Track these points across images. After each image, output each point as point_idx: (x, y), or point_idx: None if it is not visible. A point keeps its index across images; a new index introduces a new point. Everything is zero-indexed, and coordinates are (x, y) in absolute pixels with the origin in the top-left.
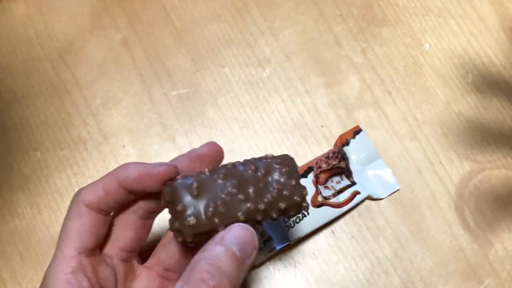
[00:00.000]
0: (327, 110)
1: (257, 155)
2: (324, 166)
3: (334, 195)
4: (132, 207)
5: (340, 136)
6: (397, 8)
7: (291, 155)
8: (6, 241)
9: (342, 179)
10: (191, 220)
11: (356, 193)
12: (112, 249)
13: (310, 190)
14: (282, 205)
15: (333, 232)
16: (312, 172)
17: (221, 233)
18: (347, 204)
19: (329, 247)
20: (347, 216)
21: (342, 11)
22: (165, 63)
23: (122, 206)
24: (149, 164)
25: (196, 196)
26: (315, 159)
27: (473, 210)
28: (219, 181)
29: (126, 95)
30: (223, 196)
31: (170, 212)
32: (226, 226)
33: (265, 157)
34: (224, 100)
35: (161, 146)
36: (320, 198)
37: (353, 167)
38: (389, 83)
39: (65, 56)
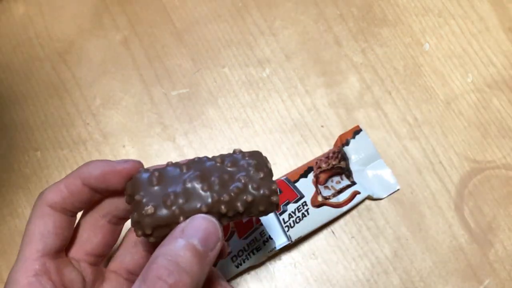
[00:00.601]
0: (327, 110)
1: None
2: (324, 166)
3: (334, 195)
4: (100, 211)
5: (340, 136)
6: (397, 8)
7: (291, 155)
8: (6, 241)
9: (342, 179)
10: (149, 210)
11: (356, 193)
12: (79, 252)
13: (310, 190)
14: (249, 198)
15: (333, 232)
16: (312, 172)
17: (181, 226)
18: (347, 204)
19: (329, 247)
20: (347, 216)
21: (342, 11)
22: (165, 63)
23: (88, 206)
24: (112, 161)
25: (157, 186)
26: (315, 159)
27: (473, 210)
28: (182, 172)
29: (126, 95)
30: (184, 186)
31: (131, 207)
32: (187, 218)
33: (234, 152)
34: (224, 100)
35: (161, 146)
36: (320, 198)
37: (353, 167)
38: (389, 83)
39: (65, 56)
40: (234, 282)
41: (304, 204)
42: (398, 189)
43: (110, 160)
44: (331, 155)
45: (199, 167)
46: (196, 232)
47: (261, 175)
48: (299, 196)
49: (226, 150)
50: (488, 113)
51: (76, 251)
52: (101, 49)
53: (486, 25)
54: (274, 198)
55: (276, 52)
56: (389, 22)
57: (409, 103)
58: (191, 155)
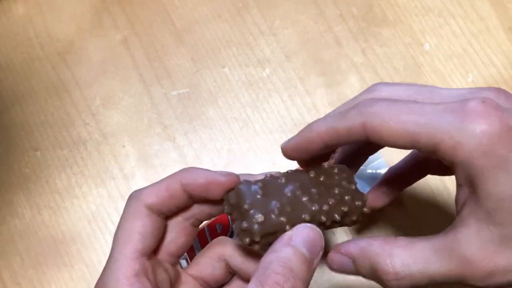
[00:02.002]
0: (327, 110)
1: (257, 155)
2: (325, 165)
3: None
4: (184, 213)
5: None
6: (397, 8)
7: None
8: (6, 241)
9: None
10: (259, 218)
11: None
12: (163, 253)
13: None
14: (345, 208)
15: (333, 232)
16: None
17: (289, 234)
18: None
19: (329, 247)
20: None
21: (342, 11)
22: (165, 63)
23: (178, 211)
24: (213, 171)
25: (262, 196)
26: None
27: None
28: (283, 183)
29: (126, 95)
30: (288, 196)
31: (235, 216)
32: (292, 226)
33: (322, 166)
34: (224, 100)
35: (161, 146)
36: None
37: None
38: None
39: (65, 56)
40: None
41: None
42: None
43: (211, 170)
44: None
45: (297, 179)
46: (303, 241)
47: (353, 187)
48: None
49: (226, 150)
50: None
51: (161, 252)
52: (101, 49)
53: (486, 25)
54: (365, 209)
55: (276, 52)
56: (389, 22)
57: None
58: (191, 155)
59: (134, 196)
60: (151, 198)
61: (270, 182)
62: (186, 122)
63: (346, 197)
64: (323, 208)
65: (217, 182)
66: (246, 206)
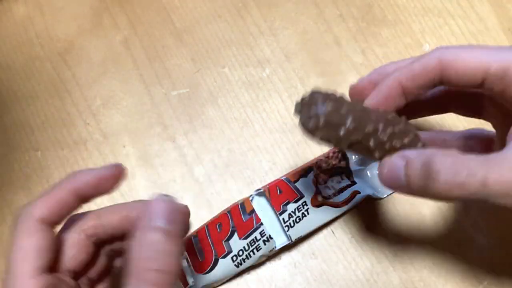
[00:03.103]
0: None
1: (257, 155)
2: (324, 166)
3: (334, 195)
4: (84, 230)
5: None
6: (396, 9)
7: (291, 155)
8: (6, 241)
9: (342, 178)
10: (329, 106)
11: (356, 192)
12: (62, 268)
13: (310, 190)
14: (405, 141)
15: (333, 232)
16: (312, 172)
17: (145, 214)
18: (347, 204)
19: (329, 247)
20: (347, 216)
21: (342, 11)
22: (165, 63)
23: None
24: (97, 168)
25: (335, 102)
26: (315, 159)
27: (473, 209)
28: (355, 105)
29: (126, 95)
30: (358, 110)
31: (303, 112)
32: (355, 127)
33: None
34: (224, 100)
35: (161, 146)
36: (320, 198)
37: (353, 166)
38: None
39: (66, 56)
40: (234, 282)
41: (304, 204)
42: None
43: (94, 168)
44: (331, 154)
45: (369, 110)
46: (158, 215)
47: (415, 135)
48: (299, 196)
49: (226, 150)
50: None
51: (60, 267)
52: (101, 49)
53: (486, 25)
54: (417, 133)
55: (276, 52)
56: (388, 22)
57: None
58: (191, 155)
59: (23, 212)
60: (42, 211)
61: (343, 100)
62: (186, 122)
63: (409, 135)
64: (387, 130)
65: (107, 176)
66: (320, 100)
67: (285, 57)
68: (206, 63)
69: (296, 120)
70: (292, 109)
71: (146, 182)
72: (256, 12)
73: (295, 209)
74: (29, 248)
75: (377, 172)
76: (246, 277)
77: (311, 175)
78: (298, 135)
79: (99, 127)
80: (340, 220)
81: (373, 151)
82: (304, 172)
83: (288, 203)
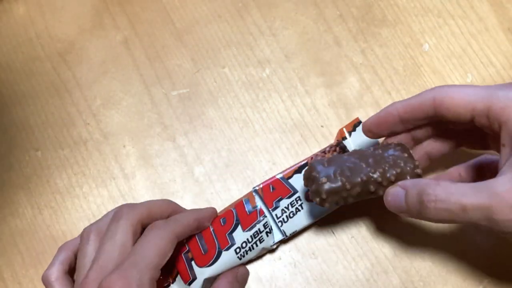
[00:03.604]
0: (327, 110)
1: (257, 155)
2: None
3: None
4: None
5: (340, 130)
6: (396, 9)
7: (291, 155)
8: (7, 240)
9: None
10: (324, 179)
11: None
12: None
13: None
14: (398, 170)
15: (333, 232)
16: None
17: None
18: None
19: (329, 247)
20: (347, 216)
21: (342, 11)
22: (165, 63)
23: None
24: (198, 210)
25: (327, 165)
26: (311, 155)
27: None
28: (345, 157)
29: (126, 95)
30: (347, 164)
31: (309, 184)
32: (351, 185)
33: (380, 144)
34: (224, 100)
35: (161, 146)
36: None
37: None
38: (388, 83)
39: (66, 56)
40: None
41: (297, 199)
42: None
43: (194, 210)
44: (328, 149)
45: (357, 153)
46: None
47: (406, 155)
48: (292, 192)
49: (226, 150)
50: None
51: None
52: (102, 49)
53: (486, 25)
54: (418, 171)
55: (276, 52)
56: (388, 22)
57: None
58: (191, 155)
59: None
60: (142, 216)
61: (335, 157)
62: (186, 122)
63: (399, 162)
64: (378, 170)
65: (204, 219)
66: (314, 174)
67: (285, 57)
68: (206, 63)
69: (296, 120)
70: (292, 109)
71: (146, 182)
72: (256, 12)
73: (288, 205)
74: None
75: None
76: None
77: None
78: (298, 135)
79: (99, 127)
80: (340, 220)
81: (377, 192)
82: (298, 168)
83: (280, 199)
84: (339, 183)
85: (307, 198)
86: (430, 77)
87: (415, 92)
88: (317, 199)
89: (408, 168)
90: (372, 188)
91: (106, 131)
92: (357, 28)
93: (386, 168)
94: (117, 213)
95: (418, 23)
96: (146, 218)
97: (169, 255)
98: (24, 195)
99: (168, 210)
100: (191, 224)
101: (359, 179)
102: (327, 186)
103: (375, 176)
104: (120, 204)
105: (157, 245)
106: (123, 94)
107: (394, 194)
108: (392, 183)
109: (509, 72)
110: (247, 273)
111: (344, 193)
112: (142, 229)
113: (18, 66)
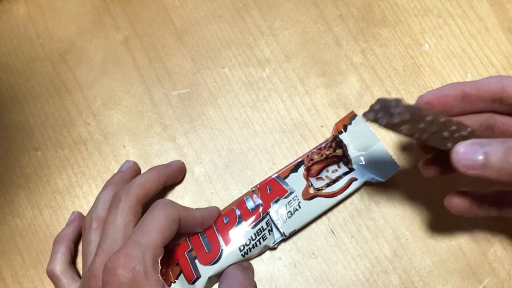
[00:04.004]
0: (326, 110)
1: (257, 155)
2: (316, 157)
3: (329, 185)
4: None
5: (337, 124)
6: (396, 9)
7: (291, 155)
8: (7, 240)
9: (339, 167)
10: (404, 103)
11: (353, 180)
12: None
13: (301, 183)
14: (469, 130)
15: (333, 232)
16: (303, 165)
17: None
18: (342, 192)
19: (329, 247)
20: (347, 216)
21: (342, 11)
22: (165, 63)
23: None
24: (165, 166)
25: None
26: (306, 153)
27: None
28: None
29: (126, 95)
30: (425, 112)
31: (381, 114)
32: (434, 118)
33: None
34: (224, 100)
35: (161, 146)
36: (311, 190)
37: (351, 153)
38: (388, 84)
39: (66, 56)
40: None
41: (295, 198)
42: (399, 170)
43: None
44: (323, 145)
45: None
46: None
47: (470, 129)
48: (289, 192)
49: (226, 150)
50: None
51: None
52: (102, 49)
53: (485, 25)
54: (465, 132)
55: (276, 52)
56: (388, 22)
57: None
58: (191, 155)
59: (124, 195)
60: (139, 196)
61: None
62: (186, 122)
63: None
64: (454, 125)
65: (180, 169)
66: (394, 103)
67: (285, 57)
68: (206, 63)
69: (296, 120)
70: (292, 109)
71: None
72: (256, 12)
73: (285, 205)
74: (156, 224)
75: (377, 155)
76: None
77: (301, 169)
78: (298, 135)
79: (99, 127)
80: (340, 220)
81: (447, 140)
82: (294, 167)
83: (278, 199)
84: (422, 113)
85: (376, 120)
86: (430, 77)
87: (415, 92)
88: (396, 119)
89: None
90: (446, 134)
91: (106, 131)
92: (357, 28)
93: (460, 124)
94: (115, 199)
95: (418, 23)
96: (143, 196)
97: (173, 233)
98: (24, 195)
99: (161, 181)
100: (194, 212)
101: (439, 120)
102: (411, 111)
103: (452, 125)
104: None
105: (159, 223)
106: (123, 94)
107: (469, 147)
108: (463, 139)
109: (509, 72)
110: (251, 265)
111: (422, 124)
112: (142, 208)
113: (18, 66)
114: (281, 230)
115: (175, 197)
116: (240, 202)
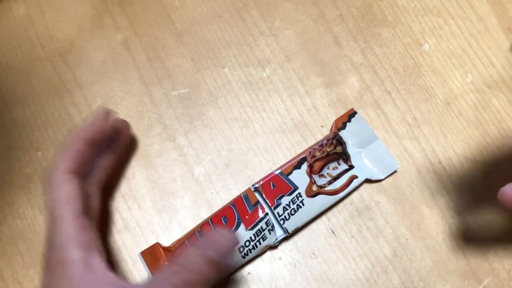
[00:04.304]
0: (326, 110)
1: (257, 155)
2: (318, 154)
3: (330, 182)
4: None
5: (336, 121)
6: (396, 9)
7: (291, 155)
8: (7, 241)
9: (339, 164)
10: None
11: (353, 177)
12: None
13: (304, 180)
14: None
15: (333, 232)
16: (306, 162)
17: (207, 239)
18: (343, 190)
19: (329, 247)
20: (347, 216)
21: (342, 11)
22: (165, 63)
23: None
24: (95, 119)
25: None
26: (308, 148)
27: (472, 209)
28: None
29: (126, 95)
30: None
31: None
32: None
33: None
34: (224, 100)
35: (161, 146)
36: (315, 188)
37: (350, 150)
38: (388, 83)
39: (66, 56)
40: (234, 282)
41: (298, 195)
42: (398, 167)
43: (93, 120)
44: (325, 142)
45: None
46: (216, 248)
47: None
48: (292, 189)
49: (226, 150)
50: (487, 113)
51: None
52: (102, 49)
53: (486, 25)
54: None
55: (276, 52)
56: (388, 22)
57: (409, 103)
58: (191, 155)
59: (52, 169)
60: (66, 165)
61: None
62: (186, 122)
63: None
64: None
65: (106, 125)
66: None
67: (285, 57)
68: (206, 63)
69: (296, 120)
70: (292, 109)
71: (146, 182)
72: (256, 12)
73: (289, 202)
74: (66, 195)
75: (375, 153)
76: (246, 277)
77: (304, 166)
78: (298, 135)
79: None
80: (340, 220)
81: None
82: (297, 163)
83: (282, 196)
84: None
85: None
86: (430, 77)
87: (415, 92)
88: None
89: None
90: None
91: None
92: (357, 28)
93: None
94: (48, 179)
95: (418, 23)
96: (78, 157)
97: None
98: (25, 195)
99: (106, 125)
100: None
101: None
102: None
103: None
104: (122, 205)
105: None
106: (123, 94)
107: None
108: None
109: (509, 72)
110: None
111: None
112: (78, 163)
113: (18, 66)
114: (285, 227)
115: (175, 197)
116: (237, 200)
